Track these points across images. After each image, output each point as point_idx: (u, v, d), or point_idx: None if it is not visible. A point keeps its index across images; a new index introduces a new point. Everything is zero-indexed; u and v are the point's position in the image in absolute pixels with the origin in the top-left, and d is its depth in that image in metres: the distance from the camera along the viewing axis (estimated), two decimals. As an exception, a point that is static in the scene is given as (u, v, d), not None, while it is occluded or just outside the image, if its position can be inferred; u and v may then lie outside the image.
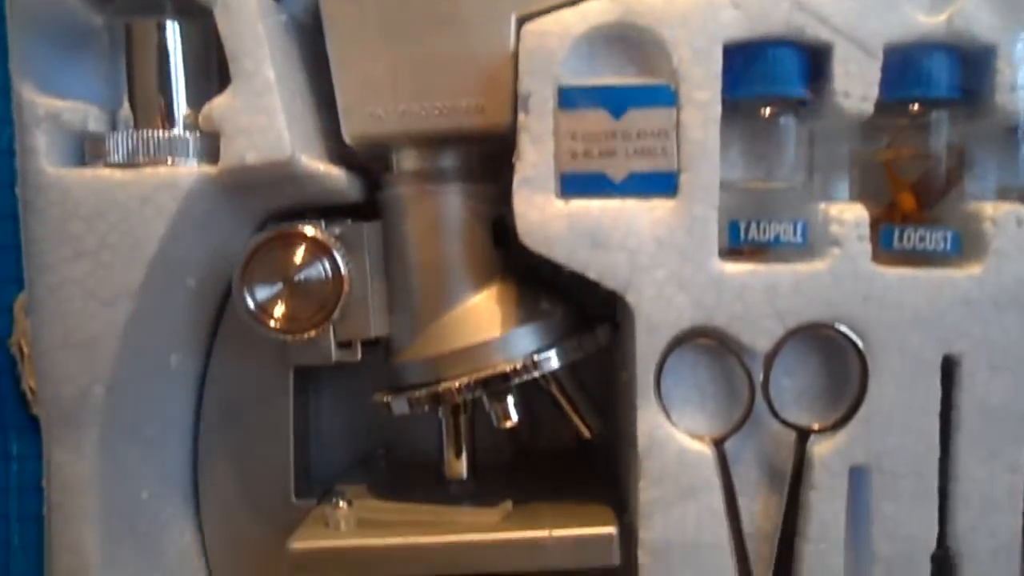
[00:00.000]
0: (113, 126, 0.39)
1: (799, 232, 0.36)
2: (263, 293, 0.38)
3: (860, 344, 0.36)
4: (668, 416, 0.36)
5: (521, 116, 0.36)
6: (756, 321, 0.36)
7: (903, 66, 0.36)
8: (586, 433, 0.42)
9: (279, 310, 0.38)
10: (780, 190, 0.37)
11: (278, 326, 0.38)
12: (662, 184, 0.35)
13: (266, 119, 0.35)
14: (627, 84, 0.36)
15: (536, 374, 0.37)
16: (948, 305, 0.36)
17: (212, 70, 0.39)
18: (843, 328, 0.36)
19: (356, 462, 0.47)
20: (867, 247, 0.36)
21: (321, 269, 0.38)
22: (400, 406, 0.39)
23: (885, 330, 0.36)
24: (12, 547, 0.43)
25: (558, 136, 0.36)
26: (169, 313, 0.39)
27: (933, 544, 0.36)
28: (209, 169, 0.36)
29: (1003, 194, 0.39)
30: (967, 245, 0.37)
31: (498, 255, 0.40)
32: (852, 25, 0.35)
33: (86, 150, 0.37)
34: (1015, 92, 0.36)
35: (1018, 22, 0.36)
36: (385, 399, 0.40)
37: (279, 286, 0.38)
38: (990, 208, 0.36)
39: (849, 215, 0.36)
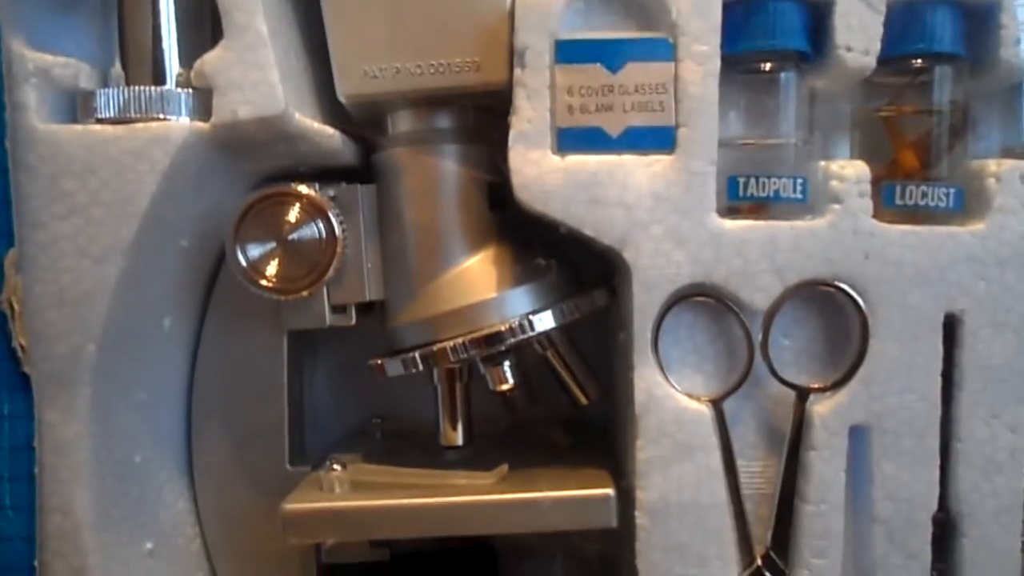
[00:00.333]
0: (104, 84, 0.38)
1: (799, 188, 0.36)
2: (256, 251, 0.37)
3: (861, 302, 0.35)
4: (666, 376, 0.36)
5: (517, 71, 0.35)
6: (755, 277, 0.35)
7: (906, 20, 0.36)
8: (583, 400, 0.42)
9: (271, 269, 0.37)
10: (780, 146, 0.36)
11: (270, 285, 0.37)
12: (660, 139, 0.35)
13: (259, 73, 0.35)
14: (625, 37, 0.35)
15: (531, 334, 0.37)
16: (950, 262, 0.35)
17: (206, 30, 0.38)
18: (843, 286, 0.35)
19: (351, 432, 0.47)
20: (868, 203, 0.35)
21: (315, 229, 0.38)
22: (394, 367, 0.39)
23: (886, 288, 0.35)
24: (3, 507, 0.42)
25: (554, 91, 0.35)
26: (162, 274, 0.38)
27: (934, 505, 0.36)
28: (202, 125, 0.36)
29: (1006, 154, 0.38)
30: (970, 202, 0.36)
31: (494, 218, 0.40)
32: (854, -22, 0.35)
33: (77, 107, 0.37)
34: (1019, 47, 0.36)
35: (1023, -24, 0.36)
36: (379, 362, 0.39)
37: (272, 244, 0.37)
38: (993, 164, 0.36)
39: (850, 171, 0.35)
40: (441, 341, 0.37)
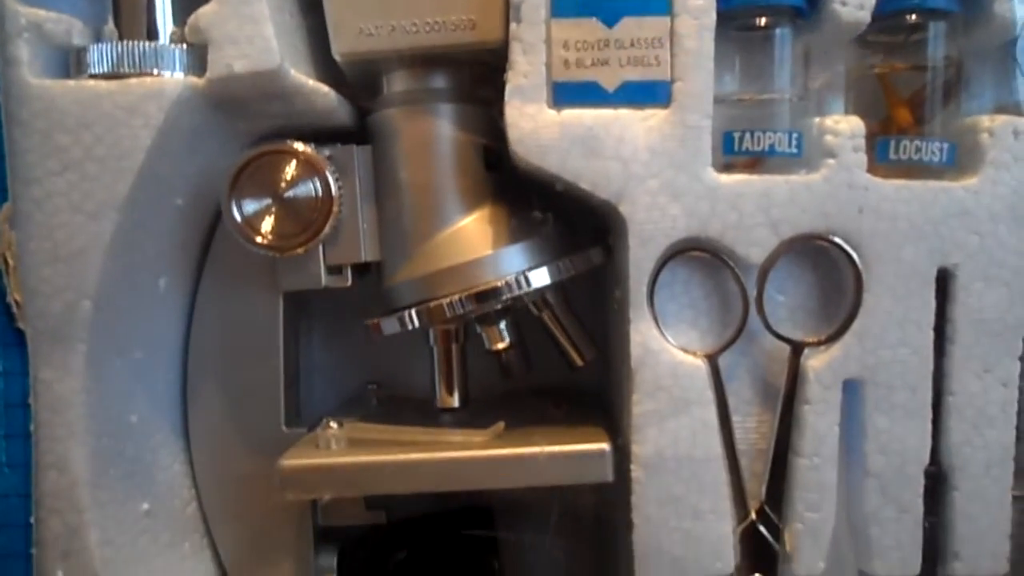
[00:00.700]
0: (98, 41, 0.38)
1: (794, 143, 0.36)
2: (251, 207, 0.37)
3: (855, 256, 0.35)
4: (662, 331, 0.36)
5: (513, 25, 0.35)
6: (750, 231, 0.35)
7: (900, -25, 0.36)
8: (578, 361, 0.42)
9: (267, 225, 0.37)
10: (775, 102, 0.36)
11: (265, 242, 0.37)
12: (656, 93, 0.35)
13: (254, 27, 0.35)
14: (621, -9, 0.35)
15: (527, 289, 0.37)
16: (943, 217, 0.36)
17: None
18: (838, 240, 0.35)
19: (347, 399, 0.47)
20: (862, 158, 0.35)
21: (311, 187, 0.38)
22: (390, 326, 0.39)
23: (880, 242, 0.35)
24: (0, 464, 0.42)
25: (550, 45, 0.35)
26: (157, 232, 0.38)
27: (926, 458, 0.36)
28: (196, 80, 0.36)
29: (1000, 111, 0.38)
30: (963, 157, 0.36)
31: (490, 179, 0.40)
32: (849, -69, 0.35)
33: (70, 63, 0.37)
34: (1012, 2, 0.36)
35: (1017, -70, 0.36)
36: (376, 321, 0.39)
37: (267, 201, 0.37)
38: (986, 120, 0.36)
39: (844, 126, 0.35)
40: (437, 298, 0.37)
